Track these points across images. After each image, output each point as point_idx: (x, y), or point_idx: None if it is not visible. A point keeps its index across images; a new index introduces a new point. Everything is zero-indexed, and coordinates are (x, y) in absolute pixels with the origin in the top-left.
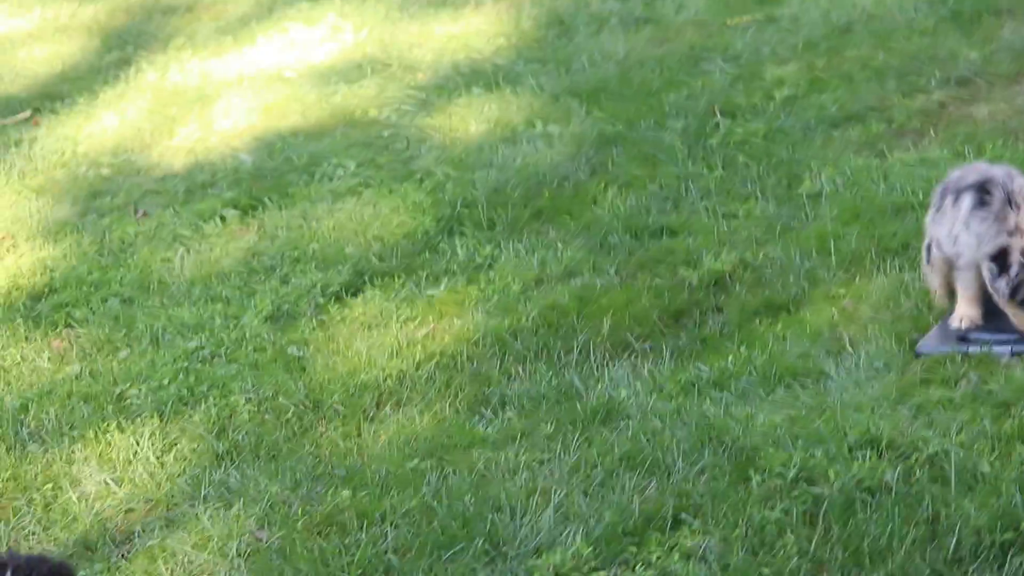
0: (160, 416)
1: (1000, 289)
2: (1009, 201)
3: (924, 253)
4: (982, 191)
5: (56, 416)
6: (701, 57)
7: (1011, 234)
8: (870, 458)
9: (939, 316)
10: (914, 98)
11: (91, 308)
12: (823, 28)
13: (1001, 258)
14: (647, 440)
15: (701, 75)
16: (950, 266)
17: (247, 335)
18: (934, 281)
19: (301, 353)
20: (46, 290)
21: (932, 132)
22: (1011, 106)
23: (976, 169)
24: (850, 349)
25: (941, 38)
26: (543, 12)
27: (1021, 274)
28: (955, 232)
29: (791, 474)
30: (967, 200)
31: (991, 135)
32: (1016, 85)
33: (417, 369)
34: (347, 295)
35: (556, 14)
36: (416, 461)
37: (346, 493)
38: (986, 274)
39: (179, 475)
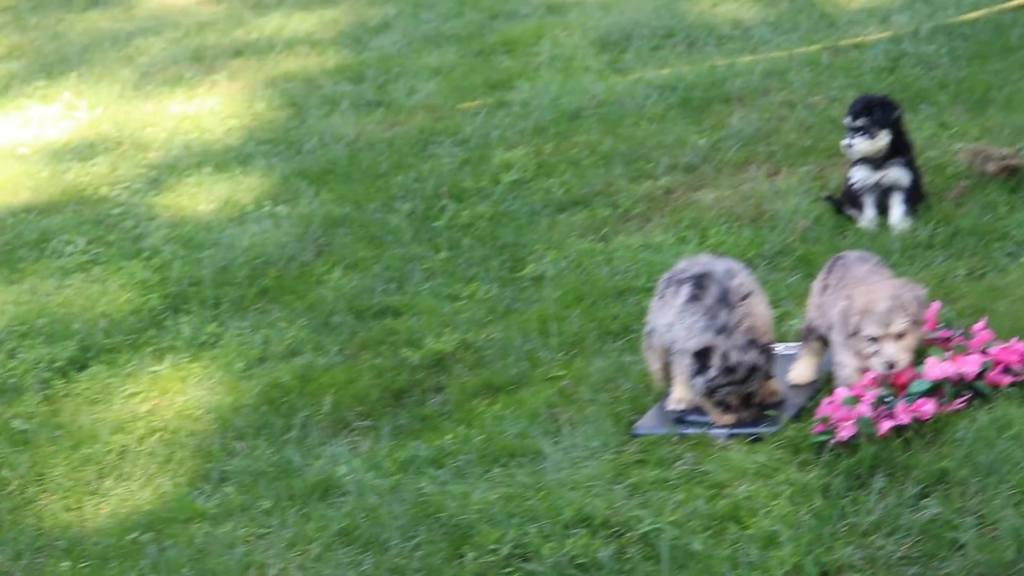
0: None
1: (696, 385)
2: (724, 298)
3: (646, 338)
4: (698, 285)
5: None
6: (430, 140)
7: (718, 332)
8: (584, 536)
9: (657, 398)
10: (641, 183)
11: None
12: (553, 113)
13: (703, 356)
14: (364, 516)
15: (430, 158)
16: (668, 351)
17: None
18: (653, 364)
19: (26, 427)
20: None
21: (657, 217)
22: (737, 192)
23: (699, 262)
24: (568, 429)
25: (670, 125)
26: (276, 93)
27: (718, 378)
28: (671, 321)
29: (505, 550)
30: (684, 292)
31: (716, 221)
32: (743, 172)
33: (140, 444)
34: (73, 370)
35: (289, 96)
36: (136, 533)
37: (67, 565)
38: (686, 368)
39: None
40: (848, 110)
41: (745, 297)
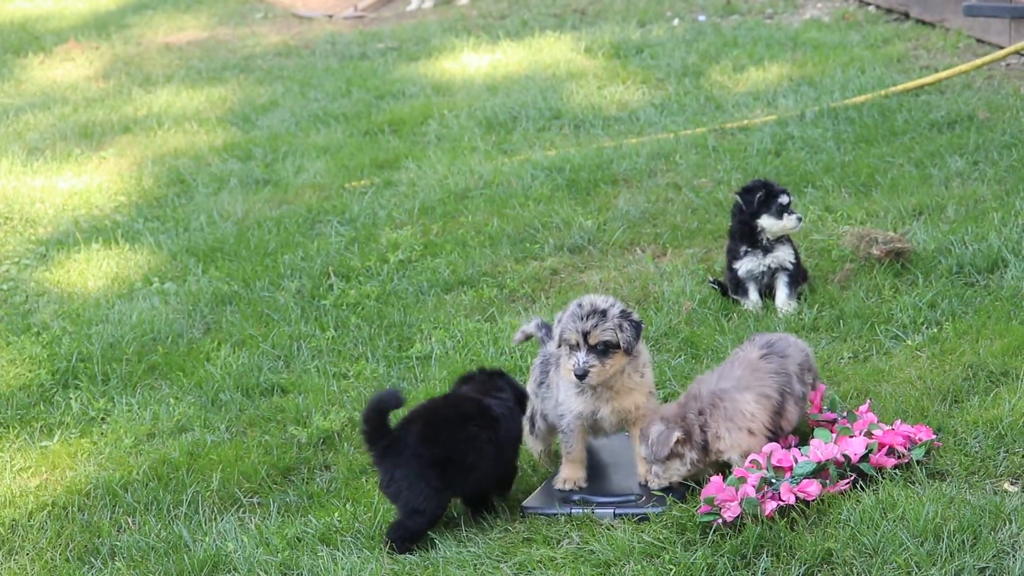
0: None
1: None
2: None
3: (527, 424)
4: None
5: None
6: (318, 219)
7: None
8: None
9: (543, 477)
10: (527, 264)
11: None
12: (440, 193)
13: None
14: None
15: (317, 237)
16: (554, 432)
17: None
18: (537, 447)
19: None
20: None
21: (543, 298)
22: (623, 274)
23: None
24: (455, 507)
25: (557, 206)
26: (164, 171)
27: (565, 318)
28: (561, 398)
29: None
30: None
31: None
32: (628, 253)
33: (29, 518)
34: None
35: (177, 173)
36: None
37: None
38: (563, 360)
39: None
40: (773, 194)
41: None
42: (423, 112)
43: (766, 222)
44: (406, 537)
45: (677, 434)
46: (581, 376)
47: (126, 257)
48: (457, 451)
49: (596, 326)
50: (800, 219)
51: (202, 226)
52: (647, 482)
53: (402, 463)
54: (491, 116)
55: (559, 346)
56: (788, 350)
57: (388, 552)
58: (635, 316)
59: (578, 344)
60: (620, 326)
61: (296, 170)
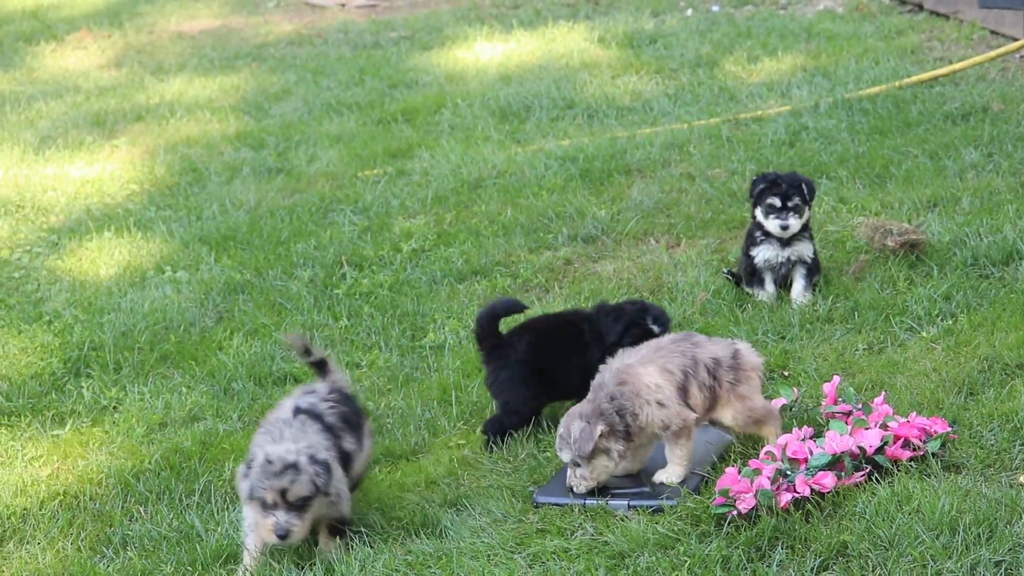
0: None
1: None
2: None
3: None
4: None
5: None
6: (331, 208)
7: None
8: None
9: (557, 467)
10: (540, 254)
11: None
12: (453, 183)
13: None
14: None
15: (330, 226)
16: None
17: None
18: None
19: None
20: None
21: (557, 288)
22: (636, 264)
23: None
24: (468, 498)
25: (570, 196)
26: (176, 159)
27: (255, 473)
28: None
29: None
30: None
31: (615, 292)
32: (642, 243)
33: (41, 507)
34: None
35: (189, 161)
36: None
37: None
38: (256, 517)
39: None
40: (770, 191)
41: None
42: (436, 101)
43: (759, 215)
44: (499, 431)
45: (601, 427)
46: (283, 537)
47: (138, 246)
48: (552, 365)
49: (293, 482)
50: (785, 227)
51: (214, 215)
52: (572, 487)
53: (508, 366)
54: (504, 106)
55: (249, 500)
56: (706, 344)
57: (484, 446)
58: (322, 455)
59: (275, 503)
60: (317, 474)
61: (309, 159)
